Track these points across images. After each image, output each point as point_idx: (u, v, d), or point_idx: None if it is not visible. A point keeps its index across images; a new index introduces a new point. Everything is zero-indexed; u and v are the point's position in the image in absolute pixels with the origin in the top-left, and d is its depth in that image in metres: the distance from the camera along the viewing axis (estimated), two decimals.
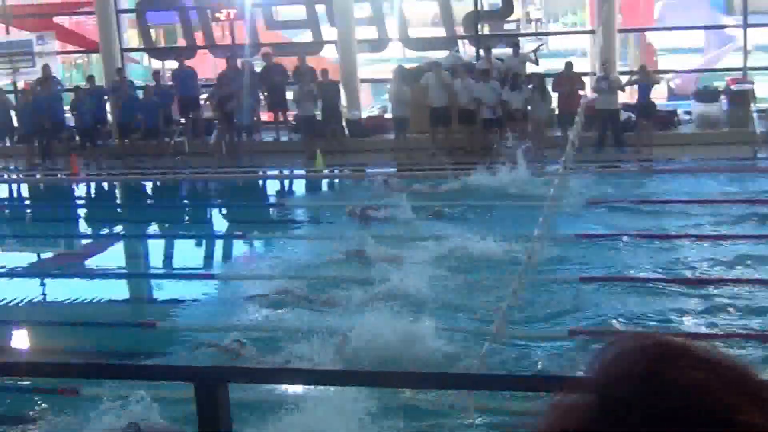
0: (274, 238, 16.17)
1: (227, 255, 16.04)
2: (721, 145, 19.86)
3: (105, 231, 18.42)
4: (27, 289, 13.90)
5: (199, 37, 24.79)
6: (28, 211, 20.97)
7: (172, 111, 22.66)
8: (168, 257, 16.57)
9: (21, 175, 22.46)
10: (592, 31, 22.88)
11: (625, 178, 18.43)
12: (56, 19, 26.09)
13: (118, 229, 18.31)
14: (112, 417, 8.58)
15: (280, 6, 25.38)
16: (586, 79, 21.01)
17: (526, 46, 23.52)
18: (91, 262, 16.26)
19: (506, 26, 25.88)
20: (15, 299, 13.38)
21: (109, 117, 23.14)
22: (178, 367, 5.91)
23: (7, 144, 23.63)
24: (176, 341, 11.15)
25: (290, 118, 22.69)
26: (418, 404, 8.81)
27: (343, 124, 22.13)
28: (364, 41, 23.35)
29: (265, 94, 22.47)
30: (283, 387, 8.71)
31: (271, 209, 19.18)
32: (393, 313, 10.63)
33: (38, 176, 22.32)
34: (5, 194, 21.42)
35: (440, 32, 23.97)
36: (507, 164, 17.88)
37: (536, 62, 21.51)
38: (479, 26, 23.45)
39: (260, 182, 21.73)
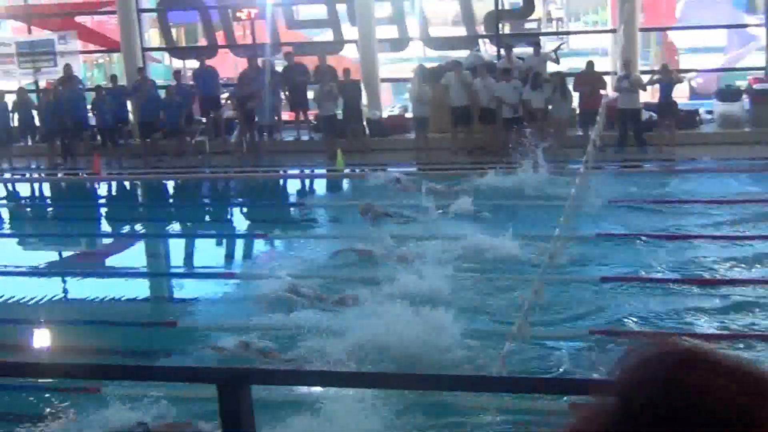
0: (295, 238, 16.20)
1: (248, 254, 16.08)
2: (743, 144, 19.80)
3: (126, 230, 18.49)
4: (48, 288, 14.00)
5: (220, 37, 24.86)
6: (50, 210, 21.06)
7: (193, 110, 22.72)
8: (189, 256, 16.63)
9: (43, 175, 22.57)
10: (613, 30, 22.81)
11: (647, 178, 18.35)
12: (78, 19, 26.19)
13: (139, 228, 18.42)
14: (132, 414, 8.66)
15: (301, 5, 25.43)
16: (608, 79, 20.95)
17: (547, 45, 23.48)
18: (112, 262, 16.35)
19: (527, 25, 25.89)
20: (37, 298, 13.47)
21: (131, 116, 23.21)
22: (201, 368, 5.92)
23: (29, 143, 23.77)
24: (197, 340, 11.19)
25: (311, 118, 22.73)
26: (443, 400, 8.79)
27: (364, 123, 22.14)
28: (384, 40, 23.37)
29: (286, 93, 22.52)
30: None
31: (291, 209, 19.20)
32: (412, 313, 10.62)
33: (60, 175, 22.44)
34: (27, 193, 21.58)
35: (461, 31, 23.94)
36: (528, 164, 17.86)
37: (557, 61, 21.44)
38: (500, 25, 23.40)
39: (281, 181, 21.77)
